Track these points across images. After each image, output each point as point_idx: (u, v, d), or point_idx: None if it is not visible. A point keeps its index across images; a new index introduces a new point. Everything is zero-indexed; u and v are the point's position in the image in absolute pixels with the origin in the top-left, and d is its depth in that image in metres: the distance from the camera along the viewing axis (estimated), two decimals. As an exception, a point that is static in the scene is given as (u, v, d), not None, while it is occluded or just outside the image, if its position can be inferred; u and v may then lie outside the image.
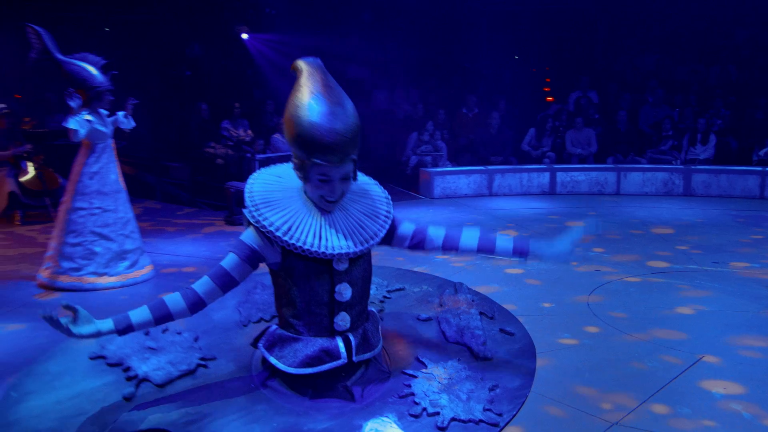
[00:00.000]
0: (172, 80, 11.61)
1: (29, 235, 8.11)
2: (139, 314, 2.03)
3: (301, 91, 2.00)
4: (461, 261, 6.77)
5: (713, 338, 4.80)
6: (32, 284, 6.10)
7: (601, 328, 4.97)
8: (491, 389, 2.11)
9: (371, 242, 2.12)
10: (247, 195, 2.08)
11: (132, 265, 6.12)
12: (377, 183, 2.28)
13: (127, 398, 2.00)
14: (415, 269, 4.22)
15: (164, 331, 2.27)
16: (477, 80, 13.66)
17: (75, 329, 1.91)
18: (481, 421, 1.99)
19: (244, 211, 2.08)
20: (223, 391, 2.07)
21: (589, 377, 4.12)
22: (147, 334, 2.23)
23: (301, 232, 2.03)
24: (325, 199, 2.06)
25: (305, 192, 2.09)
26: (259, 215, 2.03)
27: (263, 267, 2.16)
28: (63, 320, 1.89)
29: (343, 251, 2.05)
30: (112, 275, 5.97)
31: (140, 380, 2.06)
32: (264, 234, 2.04)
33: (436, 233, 2.21)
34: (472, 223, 8.73)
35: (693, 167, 10.94)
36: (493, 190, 11.04)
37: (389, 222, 2.19)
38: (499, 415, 2.01)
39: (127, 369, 2.09)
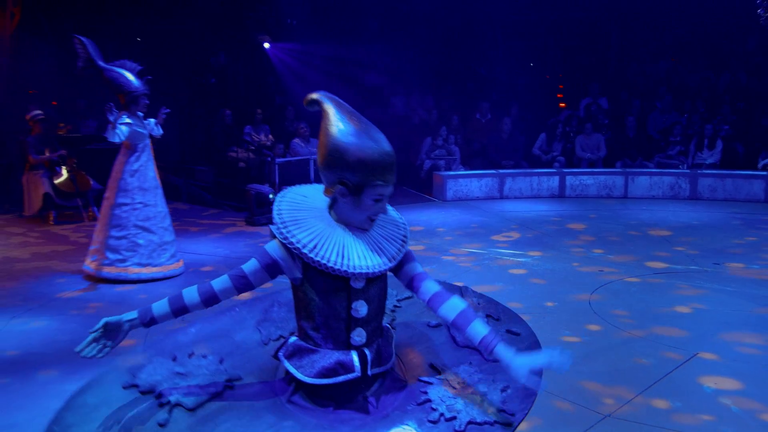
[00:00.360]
0: (198, 87, 11.76)
1: (62, 234, 8.29)
2: (160, 307, 2.16)
3: (339, 127, 2.08)
4: (468, 261, 6.82)
5: (711, 335, 4.80)
6: (60, 280, 6.26)
7: (603, 326, 4.97)
8: (503, 390, 2.14)
9: (389, 264, 2.17)
10: (275, 213, 2.15)
11: (172, 257, 6.40)
12: (394, 209, 2.34)
13: (162, 424, 2.02)
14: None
15: (190, 355, 2.31)
16: (491, 87, 13.66)
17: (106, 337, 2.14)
18: (495, 422, 2.02)
19: (272, 227, 2.14)
20: (252, 410, 2.09)
21: (591, 372, 4.13)
22: (174, 360, 2.27)
23: (326, 250, 2.08)
24: (372, 218, 2.14)
25: (330, 213, 2.16)
26: (287, 232, 2.09)
27: (278, 285, 2.21)
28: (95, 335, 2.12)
29: (363, 271, 2.10)
30: (154, 266, 6.22)
31: (173, 406, 2.07)
32: (288, 249, 2.11)
33: (428, 288, 2.21)
34: (478, 225, 8.75)
35: (699, 171, 10.86)
36: (504, 193, 11.05)
37: (406, 246, 2.24)
38: (512, 414, 2.04)
39: (159, 396, 2.11)
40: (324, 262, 2.06)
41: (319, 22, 12.84)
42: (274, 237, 2.14)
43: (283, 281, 2.24)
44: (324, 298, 2.13)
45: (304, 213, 2.16)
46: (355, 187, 2.07)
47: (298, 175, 9.96)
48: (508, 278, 6.20)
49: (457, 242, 7.64)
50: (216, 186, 10.47)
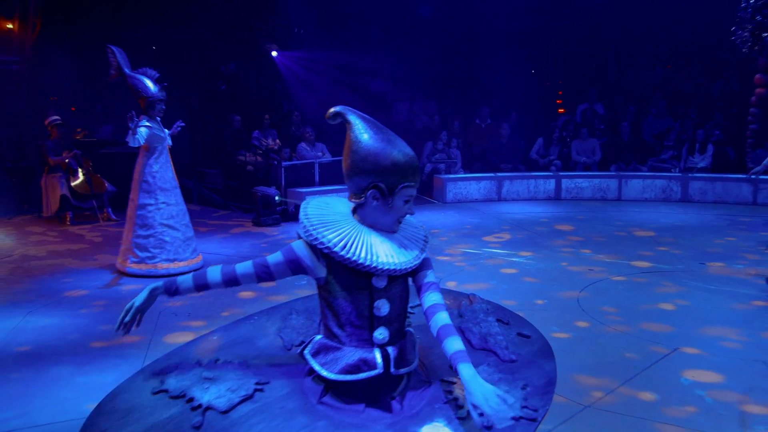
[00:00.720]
0: (209, 94, 11.85)
1: (78, 233, 8.39)
2: (184, 281, 2.24)
3: (369, 135, 2.15)
4: (463, 261, 6.86)
5: (694, 331, 4.85)
6: (72, 278, 6.35)
7: (591, 322, 5.01)
8: (523, 388, 2.17)
9: (414, 263, 2.20)
10: (302, 217, 2.19)
11: (194, 251, 6.61)
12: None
13: (197, 427, 2.00)
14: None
15: (216, 361, 2.31)
16: (492, 93, 13.69)
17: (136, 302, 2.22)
18: (521, 417, 2.03)
19: (299, 230, 2.19)
20: (284, 411, 2.07)
21: (578, 366, 4.18)
22: (200, 365, 2.27)
23: (355, 249, 2.12)
24: (400, 220, 2.19)
25: (354, 216, 2.21)
26: (317, 233, 2.13)
27: (294, 295, 2.23)
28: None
29: (390, 267, 2.14)
30: (181, 260, 6.41)
31: (205, 409, 2.05)
32: (313, 249, 2.16)
33: (429, 299, 2.23)
34: (475, 226, 8.79)
35: (690, 175, 10.86)
36: (502, 196, 11.08)
37: (426, 247, 2.28)
38: (535, 410, 2.07)
39: (191, 400, 2.09)
40: (354, 258, 2.09)
41: (326, 31, 12.92)
42: (301, 237, 2.19)
43: (298, 290, 2.26)
44: (348, 297, 2.16)
45: (330, 217, 2.20)
46: (388, 190, 2.12)
47: (303, 177, 10.05)
48: (500, 277, 6.24)
49: (453, 242, 7.69)
50: (225, 188, 10.55)
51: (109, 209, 9.23)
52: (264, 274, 2.22)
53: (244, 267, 2.22)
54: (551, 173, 11.37)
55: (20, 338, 4.75)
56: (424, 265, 2.27)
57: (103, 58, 6.39)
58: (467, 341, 2.44)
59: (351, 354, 2.15)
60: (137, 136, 6.08)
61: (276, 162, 9.81)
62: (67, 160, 8.94)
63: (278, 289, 5.31)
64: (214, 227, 8.81)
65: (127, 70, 6.27)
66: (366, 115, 2.23)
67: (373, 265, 2.11)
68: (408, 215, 2.27)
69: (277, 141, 10.65)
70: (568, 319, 5.09)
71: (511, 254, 7.13)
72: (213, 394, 2.10)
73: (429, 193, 11.26)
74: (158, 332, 4.77)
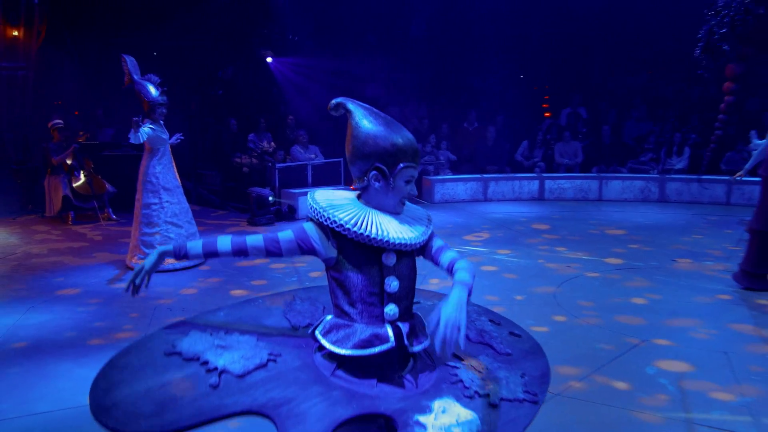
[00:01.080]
0: (207, 98, 11.90)
1: (80, 233, 8.44)
2: (194, 247, 2.22)
3: (368, 121, 2.17)
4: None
5: (665, 323, 4.93)
6: (72, 275, 6.38)
7: (567, 316, 5.08)
8: (522, 376, 2.20)
9: (422, 239, 2.22)
10: (312, 203, 2.20)
11: None
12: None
13: (214, 386, 1.99)
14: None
15: (227, 332, 2.29)
16: (481, 98, 13.75)
17: (146, 265, 2.19)
18: (524, 400, 2.08)
19: (309, 213, 2.20)
20: (298, 381, 2.06)
21: (556, 357, 4.21)
22: (211, 334, 2.24)
23: (367, 226, 2.12)
24: (403, 200, 2.19)
25: (360, 200, 2.22)
26: (329, 214, 2.14)
27: (296, 284, 2.26)
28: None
29: (402, 242, 2.14)
30: None
31: (221, 372, 2.03)
32: (324, 231, 2.17)
33: (446, 257, 2.25)
34: (459, 225, 8.86)
35: (667, 176, 10.96)
36: (487, 196, 11.16)
37: (431, 225, 2.30)
38: (535, 395, 2.11)
39: (205, 362, 2.07)
40: (366, 234, 2.09)
41: (320, 38, 12.96)
42: (310, 219, 2.19)
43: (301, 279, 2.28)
44: (359, 274, 2.16)
45: (338, 201, 2.21)
46: (389, 171, 2.13)
47: (296, 179, 10.09)
48: (481, 274, 6.31)
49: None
50: (223, 189, 10.59)
51: (110, 209, 9.28)
52: (273, 249, 2.20)
53: (254, 239, 2.20)
54: (535, 174, 11.45)
55: (21, 333, 4.79)
56: (431, 239, 2.29)
57: (104, 64, 6.53)
58: (465, 335, 2.48)
59: (363, 330, 2.14)
60: (139, 134, 6.23)
61: (270, 164, 9.86)
62: (69, 161, 8.98)
63: (271, 289, 5.37)
64: (211, 226, 8.86)
65: (135, 77, 6.47)
66: (366, 104, 2.26)
67: (385, 239, 2.11)
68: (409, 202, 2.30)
69: (272, 144, 10.70)
70: (545, 313, 5.16)
71: (492, 252, 7.20)
72: (227, 360, 2.09)
73: (418, 194, 11.29)
74: (153, 327, 4.81)
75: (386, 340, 2.15)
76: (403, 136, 2.15)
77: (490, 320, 2.64)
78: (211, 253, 2.23)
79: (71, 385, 3.89)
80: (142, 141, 6.28)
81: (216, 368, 2.05)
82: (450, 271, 2.24)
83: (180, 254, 2.22)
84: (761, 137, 6.26)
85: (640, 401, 3.65)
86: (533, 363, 2.34)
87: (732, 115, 8.77)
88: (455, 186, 11.12)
